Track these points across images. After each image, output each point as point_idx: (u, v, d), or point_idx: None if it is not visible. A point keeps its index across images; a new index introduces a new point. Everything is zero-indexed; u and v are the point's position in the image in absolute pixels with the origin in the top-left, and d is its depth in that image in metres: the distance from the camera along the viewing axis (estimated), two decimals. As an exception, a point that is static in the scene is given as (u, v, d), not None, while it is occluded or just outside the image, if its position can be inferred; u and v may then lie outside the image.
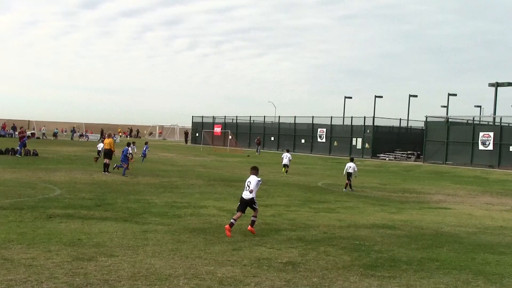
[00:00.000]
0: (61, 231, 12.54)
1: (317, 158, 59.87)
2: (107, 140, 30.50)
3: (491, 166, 48.61)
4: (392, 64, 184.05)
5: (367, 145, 61.94)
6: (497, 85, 56.65)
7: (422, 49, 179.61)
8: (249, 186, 13.53)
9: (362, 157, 60.15)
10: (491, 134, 50.21)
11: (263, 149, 70.77)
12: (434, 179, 38.85)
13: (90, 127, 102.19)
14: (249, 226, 13.45)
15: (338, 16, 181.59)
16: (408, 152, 60.80)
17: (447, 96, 72.05)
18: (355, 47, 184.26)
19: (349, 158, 32.14)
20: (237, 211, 13.57)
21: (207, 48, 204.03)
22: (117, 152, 30.08)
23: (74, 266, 9.46)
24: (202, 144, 76.41)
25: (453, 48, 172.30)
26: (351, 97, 79.44)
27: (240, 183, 26.50)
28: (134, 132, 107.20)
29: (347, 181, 26.42)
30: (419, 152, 59.05)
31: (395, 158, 59.50)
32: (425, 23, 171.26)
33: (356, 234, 13.99)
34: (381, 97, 75.12)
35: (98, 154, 35.36)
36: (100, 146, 35.57)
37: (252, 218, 13.54)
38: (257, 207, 13.71)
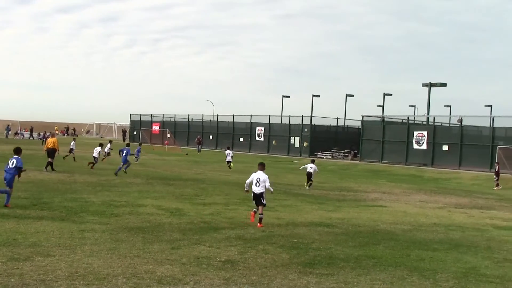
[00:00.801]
0: (-6, 231, 12.19)
1: (255, 157, 60.03)
2: (51, 139, 29.97)
3: (425, 165, 49.80)
4: (329, 64, 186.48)
5: (305, 144, 62.52)
6: (430, 85, 58.08)
7: (358, 49, 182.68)
8: (258, 182, 15.29)
9: (300, 156, 60.71)
10: (425, 133, 51.44)
11: (202, 148, 70.57)
12: (371, 177, 39.56)
13: (25, 125, 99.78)
14: (258, 224, 14.74)
15: (275, 15, 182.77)
16: (345, 151, 61.67)
17: (382, 96, 73.41)
18: (293, 47, 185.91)
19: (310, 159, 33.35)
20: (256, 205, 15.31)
21: (145, 46, 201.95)
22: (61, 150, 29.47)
23: (9, 266, 9.20)
24: (140, 142, 75.60)
25: (388, 49, 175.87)
26: (289, 96, 79.91)
27: (179, 181, 26.40)
28: (71, 131, 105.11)
29: (309, 181, 27.84)
30: (355, 151, 59.97)
31: (332, 156, 60.26)
32: (361, 23, 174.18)
33: (295, 232, 14.09)
34: (319, 96, 76.02)
35: (95, 160, 33.28)
36: (97, 150, 33.90)
37: (260, 216, 14.91)
38: (264, 202, 15.29)
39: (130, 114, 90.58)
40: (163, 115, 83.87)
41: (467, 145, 48.58)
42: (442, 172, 45.22)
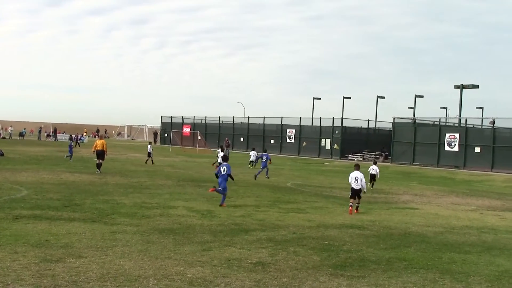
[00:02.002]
0: (28, 232, 12.39)
1: (286, 159, 60.03)
2: (99, 141, 30.78)
3: (456, 167, 49.26)
4: (360, 65, 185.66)
5: (336, 146, 62.29)
6: (462, 87, 57.43)
7: (389, 51, 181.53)
8: (357, 180, 19.03)
9: (331, 158, 60.53)
10: (457, 135, 50.88)
11: (232, 150, 70.73)
12: (402, 179, 39.25)
13: (57, 127, 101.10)
14: (356, 210, 18.87)
15: (305, 17, 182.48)
16: (376, 152, 61.31)
17: (414, 98, 72.76)
18: (323, 48, 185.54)
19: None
20: (350, 198, 19.09)
21: (175, 48, 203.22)
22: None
23: (41, 267, 9.35)
24: (171, 144, 76.08)
25: (419, 50, 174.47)
26: (319, 98, 79.60)
27: (209, 183, 26.47)
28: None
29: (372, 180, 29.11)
30: (387, 153, 59.58)
31: (363, 159, 59.94)
32: (391, 24, 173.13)
33: (326, 234, 14.07)
34: (350, 98, 75.48)
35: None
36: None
37: (357, 205, 19.04)
38: (361, 195, 19.44)
39: (161, 116, 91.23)
40: (193, 117, 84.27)
41: (499, 147, 47.93)
42: (474, 174, 44.68)
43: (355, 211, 18.81)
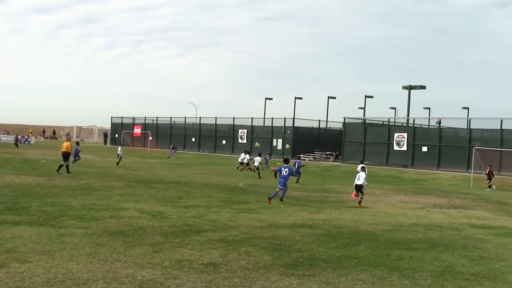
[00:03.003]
0: (-27, 236, 12.08)
1: (238, 159, 60.04)
2: (65, 144, 31.30)
3: (405, 166, 50.19)
4: (311, 66, 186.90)
5: (287, 146, 62.64)
6: (410, 88, 58.56)
7: (339, 52, 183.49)
8: (359, 178, 22.35)
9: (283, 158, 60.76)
10: (405, 135, 51.85)
11: (183, 150, 70.53)
12: (352, 178, 39.58)
13: (1, 128, 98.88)
14: (358, 204, 21.88)
15: (257, 17, 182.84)
16: (327, 152, 61.90)
17: (364, 98, 73.80)
18: (275, 49, 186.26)
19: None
20: (354, 192, 22.65)
21: (126, 48, 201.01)
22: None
23: (-14, 273, 9.12)
24: (122, 145, 75.32)
25: (369, 51, 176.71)
26: (271, 98, 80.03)
27: (162, 184, 26.36)
28: (49, 134, 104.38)
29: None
30: (337, 153, 60.23)
31: (314, 158, 60.46)
32: (342, 26, 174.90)
33: (277, 234, 14.15)
34: (301, 98, 76.10)
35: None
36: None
37: (360, 199, 22.08)
38: (363, 191, 22.53)
39: (112, 117, 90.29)
40: (145, 117, 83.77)
41: (445, 146, 49.09)
42: (421, 173, 45.59)
43: (358, 205, 21.80)
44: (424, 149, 50.36)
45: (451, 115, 72.64)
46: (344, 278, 9.80)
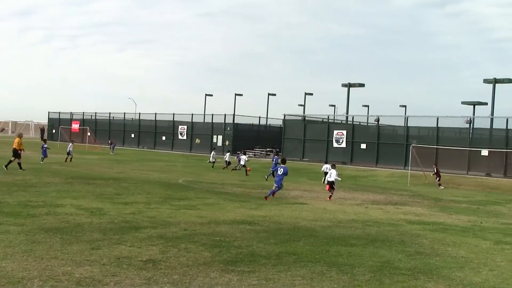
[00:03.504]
0: None
1: (178, 155, 59.81)
2: (16, 140, 30.94)
3: (344, 163, 50.85)
4: (252, 63, 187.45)
5: (227, 143, 62.67)
6: (349, 85, 59.37)
7: (280, 49, 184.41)
8: (331, 175, 24.53)
9: (223, 154, 60.78)
10: (344, 132, 52.60)
11: (123, 146, 69.72)
12: (292, 175, 39.89)
13: None
14: (328, 198, 23.62)
15: (198, 14, 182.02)
16: (268, 149, 62.21)
17: (304, 95, 74.45)
18: (215, 45, 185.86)
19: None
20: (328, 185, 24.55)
21: (64, 42, 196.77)
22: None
23: None
24: (59, 141, 73.86)
25: (309, 49, 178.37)
26: (211, 95, 79.97)
27: (100, 180, 25.96)
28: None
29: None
30: (277, 149, 60.60)
31: (254, 155, 60.65)
32: (282, 23, 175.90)
33: (217, 230, 14.14)
34: (241, 95, 76.32)
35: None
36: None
37: (330, 194, 24.00)
38: (335, 187, 24.64)
39: (49, 112, 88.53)
40: (83, 113, 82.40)
41: (383, 144, 50.07)
42: (360, 170, 46.33)
43: (328, 199, 23.49)
44: (363, 146, 51.21)
45: (389, 113, 74.26)
46: (283, 274, 9.87)
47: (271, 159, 37.62)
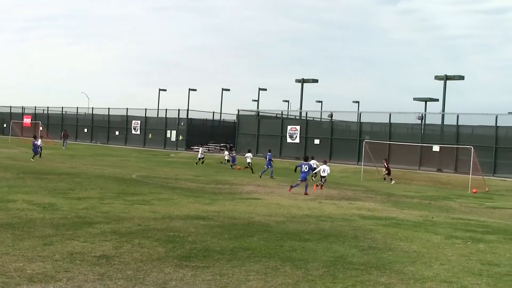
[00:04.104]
0: None
1: (131, 150, 59.34)
2: None
3: (297, 158, 51.11)
4: (205, 58, 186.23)
5: (181, 138, 62.44)
6: (303, 81, 59.80)
7: (233, 44, 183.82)
8: (324, 170, 29.01)
9: (177, 150, 60.62)
10: (298, 127, 52.95)
11: (75, 141, 68.80)
12: (246, 170, 40.13)
13: None
14: (320, 187, 28.22)
15: (149, 7, 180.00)
16: (221, 144, 62.18)
17: (258, 91, 74.66)
18: (169, 40, 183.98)
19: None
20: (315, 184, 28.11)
21: (12, 35, 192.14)
22: None
23: None
24: (11, 135, 72.45)
25: (262, 44, 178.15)
26: (165, 90, 79.57)
27: (53, 175, 25.59)
28: None
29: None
30: (231, 145, 60.59)
31: (208, 150, 60.54)
32: (236, 18, 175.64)
33: (171, 226, 14.11)
34: (195, 90, 76.13)
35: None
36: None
37: (322, 184, 28.64)
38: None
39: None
40: (35, 107, 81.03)
41: (336, 139, 50.58)
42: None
43: (320, 188, 28.13)
44: (316, 141, 51.63)
45: (342, 109, 74.97)
46: (237, 269, 9.92)
47: (264, 157, 38.26)
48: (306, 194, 24.52)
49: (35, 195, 18.57)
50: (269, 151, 37.51)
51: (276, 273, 9.89)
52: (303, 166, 26.05)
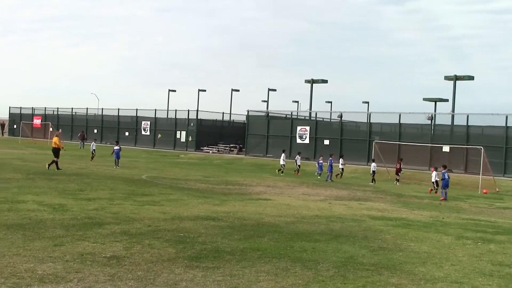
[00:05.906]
0: None
1: (141, 151, 59.44)
2: (54, 139, 31.34)
3: (307, 159, 51.10)
4: (215, 58, 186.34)
5: (190, 138, 62.50)
6: (312, 81, 59.64)
7: (243, 45, 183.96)
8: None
9: (186, 150, 60.64)
10: (308, 128, 52.84)
11: (86, 142, 68.94)
12: (256, 171, 40.13)
13: None
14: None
15: (157, 8, 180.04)
16: (231, 145, 62.19)
17: (267, 91, 74.57)
18: (178, 40, 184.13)
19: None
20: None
21: (21, 36, 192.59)
22: None
23: None
24: (21, 136, 72.76)
25: (272, 45, 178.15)
26: (175, 90, 79.59)
27: (63, 176, 25.66)
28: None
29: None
30: (241, 145, 60.61)
31: (218, 151, 60.58)
32: (246, 19, 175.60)
33: (181, 226, 14.12)
34: (205, 91, 76.05)
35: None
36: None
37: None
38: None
39: (10, 107, 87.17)
40: (45, 108, 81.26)
41: (346, 140, 50.42)
42: (324, 166, 46.52)
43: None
44: (326, 142, 51.52)
45: (352, 109, 74.85)
46: (248, 270, 9.91)
47: (317, 162, 40.38)
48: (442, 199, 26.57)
49: (45, 196, 18.64)
50: (331, 156, 38.62)
51: (287, 273, 9.87)
52: (445, 174, 27.45)
